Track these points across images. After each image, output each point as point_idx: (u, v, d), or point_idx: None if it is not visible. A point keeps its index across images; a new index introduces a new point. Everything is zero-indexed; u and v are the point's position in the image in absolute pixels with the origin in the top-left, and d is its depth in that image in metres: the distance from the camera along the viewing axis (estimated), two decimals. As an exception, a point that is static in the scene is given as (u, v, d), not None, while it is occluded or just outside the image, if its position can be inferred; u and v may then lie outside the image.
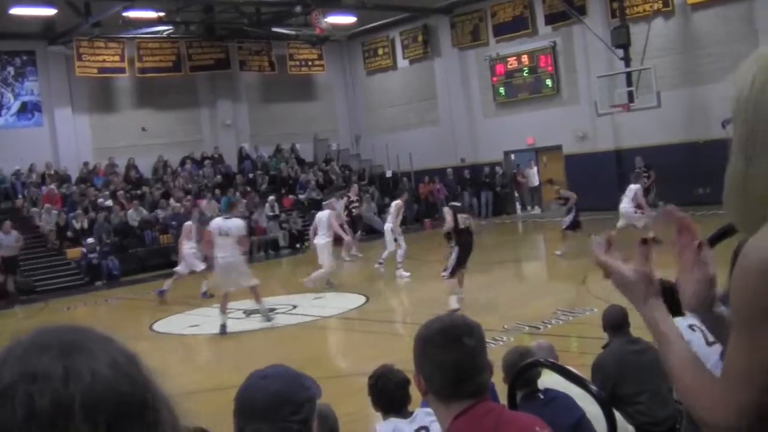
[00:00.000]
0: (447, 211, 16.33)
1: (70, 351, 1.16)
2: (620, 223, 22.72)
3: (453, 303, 15.30)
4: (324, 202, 22.82)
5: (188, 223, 21.77)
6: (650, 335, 6.46)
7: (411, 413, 5.18)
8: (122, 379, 1.16)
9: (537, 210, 35.83)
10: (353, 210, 27.82)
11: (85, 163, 33.17)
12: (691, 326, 6.74)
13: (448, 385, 2.86)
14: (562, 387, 5.30)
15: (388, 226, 22.60)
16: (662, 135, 29.81)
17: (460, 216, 16.05)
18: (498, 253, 24.27)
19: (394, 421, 5.17)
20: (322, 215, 20.49)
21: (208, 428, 4.31)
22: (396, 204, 22.81)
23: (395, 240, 22.12)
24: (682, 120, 29.53)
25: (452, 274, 15.84)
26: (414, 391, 4.98)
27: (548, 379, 5.43)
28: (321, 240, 20.01)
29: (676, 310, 7.57)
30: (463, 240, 15.99)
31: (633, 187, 23.02)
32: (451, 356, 2.84)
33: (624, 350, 6.59)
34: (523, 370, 4.73)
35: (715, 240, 2.02)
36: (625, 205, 22.59)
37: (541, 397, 5.28)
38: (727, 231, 1.99)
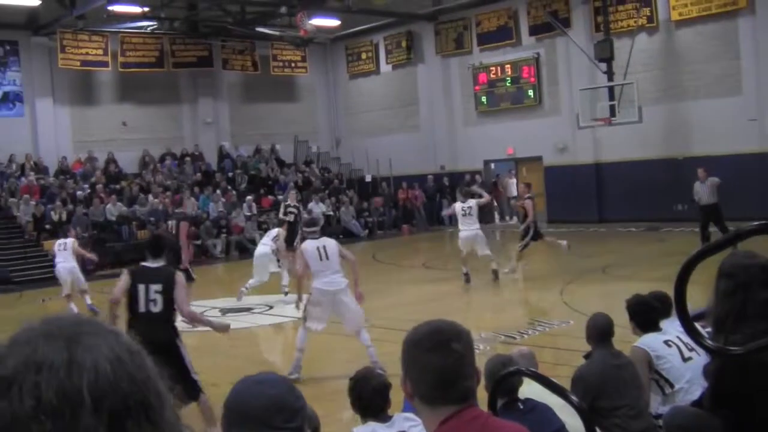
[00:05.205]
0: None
1: (75, 343, 1.15)
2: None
3: None
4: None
5: None
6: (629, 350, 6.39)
7: (390, 417, 5.18)
8: (122, 377, 1.15)
9: (515, 220, 35.78)
10: (288, 216, 21.95)
11: (64, 158, 33.05)
12: (667, 342, 6.72)
13: (435, 390, 2.83)
14: (539, 397, 5.30)
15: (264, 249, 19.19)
16: (642, 150, 29.94)
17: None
18: (474, 261, 24.24)
19: (372, 425, 5.18)
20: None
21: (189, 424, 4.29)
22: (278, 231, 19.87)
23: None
24: (662, 136, 29.66)
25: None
26: (394, 396, 4.99)
27: (526, 389, 5.42)
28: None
29: (652, 325, 7.57)
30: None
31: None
32: (438, 360, 2.81)
33: (606, 364, 6.55)
34: (504, 379, 4.72)
35: (744, 236, 1.90)
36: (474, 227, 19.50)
37: (521, 406, 5.28)
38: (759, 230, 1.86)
